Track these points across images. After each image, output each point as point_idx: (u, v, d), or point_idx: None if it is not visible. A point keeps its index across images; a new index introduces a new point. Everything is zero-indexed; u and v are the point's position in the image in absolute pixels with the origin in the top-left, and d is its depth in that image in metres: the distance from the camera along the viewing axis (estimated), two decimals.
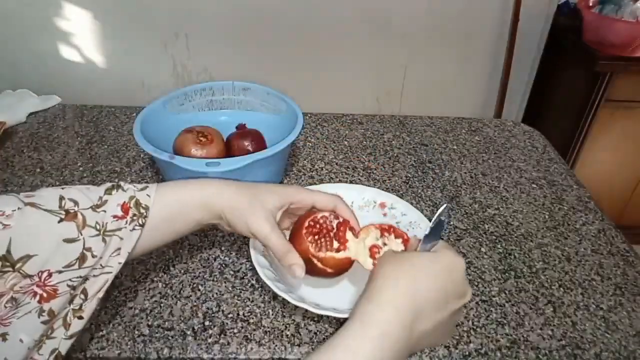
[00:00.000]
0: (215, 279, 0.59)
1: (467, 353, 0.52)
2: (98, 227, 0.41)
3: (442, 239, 0.46)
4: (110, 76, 1.24)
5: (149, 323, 0.53)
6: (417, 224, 0.62)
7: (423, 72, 1.35)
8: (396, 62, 1.33)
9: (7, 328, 0.36)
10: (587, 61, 1.39)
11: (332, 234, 0.51)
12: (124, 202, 0.43)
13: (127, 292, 0.56)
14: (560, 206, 0.76)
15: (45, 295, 0.38)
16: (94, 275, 0.41)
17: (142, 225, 0.44)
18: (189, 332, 0.52)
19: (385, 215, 0.65)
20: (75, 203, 0.41)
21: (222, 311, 0.55)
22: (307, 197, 0.50)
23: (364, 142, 0.90)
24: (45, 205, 0.39)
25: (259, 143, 0.74)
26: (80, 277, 0.40)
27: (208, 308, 0.55)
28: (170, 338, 0.51)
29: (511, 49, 1.32)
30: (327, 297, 0.54)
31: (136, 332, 0.52)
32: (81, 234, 0.40)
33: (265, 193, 0.48)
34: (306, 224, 0.50)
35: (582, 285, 0.61)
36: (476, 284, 0.60)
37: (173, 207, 0.46)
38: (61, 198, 0.40)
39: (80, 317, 0.41)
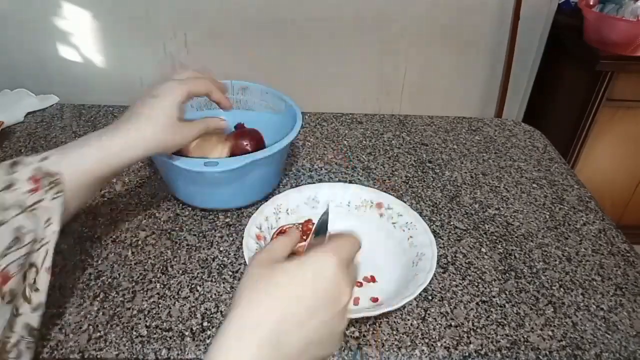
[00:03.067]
0: (213, 280, 0.58)
1: (467, 354, 0.51)
2: (19, 204, 0.42)
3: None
4: (109, 76, 1.23)
5: (147, 324, 0.53)
6: (413, 225, 0.62)
7: (423, 71, 1.35)
8: (396, 61, 1.33)
9: None
10: (588, 60, 1.38)
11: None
12: (32, 175, 0.43)
13: (125, 293, 0.56)
14: (561, 206, 0.75)
15: (0, 279, 0.39)
16: (37, 250, 0.43)
17: (62, 191, 0.44)
18: (187, 333, 0.52)
19: (381, 215, 0.65)
20: None
21: (221, 312, 0.54)
22: (181, 92, 0.54)
23: (364, 142, 0.90)
24: None
25: (258, 142, 0.74)
26: (23, 255, 0.41)
27: (206, 309, 0.55)
28: (168, 339, 0.51)
29: (512, 48, 1.32)
30: None
31: (134, 333, 0.52)
32: (4, 217, 0.40)
33: (160, 114, 0.52)
34: (274, 235, 0.56)
35: (582, 286, 0.61)
36: (476, 284, 0.60)
37: (86, 181, 0.48)
38: None
39: (37, 290, 0.43)
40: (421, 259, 0.57)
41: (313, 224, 0.57)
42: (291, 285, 0.34)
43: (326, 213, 0.44)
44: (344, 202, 0.67)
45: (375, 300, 0.55)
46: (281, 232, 0.56)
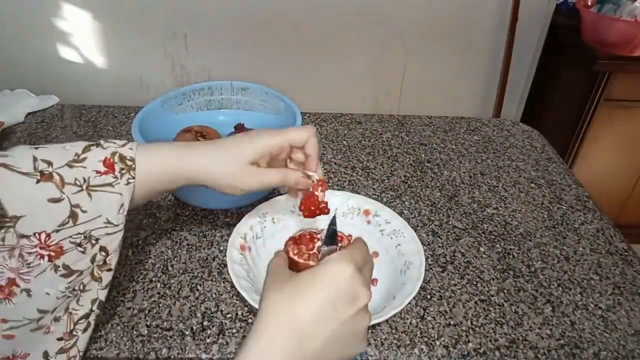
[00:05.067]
0: (213, 279, 0.59)
1: (465, 352, 0.52)
2: (78, 182, 0.41)
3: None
4: (109, 76, 1.24)
5: (148, 323, 0.53)
6: (400, 232, 0.62)
7: (422, 71, 1.35)
8: (395, 61, 1.33)
9: (29, 285, 0.39)
10: (586, 60, 1.39)
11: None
12: (106, 157, 0.43)
13: (126, 292, 0.56)
14: (559, 205, 0.76)
15: (53, 254, 0.40)
16: (108, 234, 0.43)
17: (134, 178, 0.44)
18: (187, 332, 0.52)
19: (369, 222, 0.65)
20: (49, 164, 0.40)
21: (221, 311, 0.55)
22: (283, 140, 0.49)
23: (363, 142, 0.90)
24: (21, 167, 0.39)
25: None
26: (80, 233, 0.41)
27: (207, 308, 0.55)
28: (168, 338, 0.51)
29: (510, 48, 1.32)
30: None
31: (135, 332, 0.52)
32: (63, 193, 0.40)
33: (246, 149, 0.48)
34: (289, 243, 0.53)
35: (580, 285, 0.61)
36: (475, 283, 0.60)
37: (152, 178, 0.46)
38: (34, 159, 0.40)
39: (109, 270, 0.45)
40: (409, 267, 0.57)
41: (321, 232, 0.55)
42: (311, 291, 0.37)
43: (334, 222, 0.46)
44: (331, 210, 0.66)
45: None
46: (295, 239, 0.55)
